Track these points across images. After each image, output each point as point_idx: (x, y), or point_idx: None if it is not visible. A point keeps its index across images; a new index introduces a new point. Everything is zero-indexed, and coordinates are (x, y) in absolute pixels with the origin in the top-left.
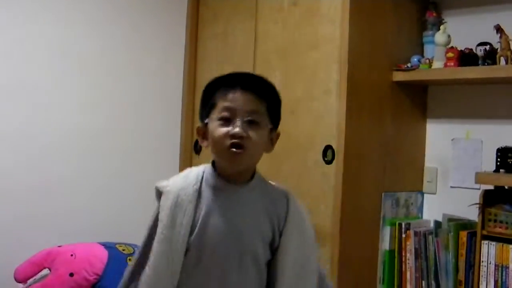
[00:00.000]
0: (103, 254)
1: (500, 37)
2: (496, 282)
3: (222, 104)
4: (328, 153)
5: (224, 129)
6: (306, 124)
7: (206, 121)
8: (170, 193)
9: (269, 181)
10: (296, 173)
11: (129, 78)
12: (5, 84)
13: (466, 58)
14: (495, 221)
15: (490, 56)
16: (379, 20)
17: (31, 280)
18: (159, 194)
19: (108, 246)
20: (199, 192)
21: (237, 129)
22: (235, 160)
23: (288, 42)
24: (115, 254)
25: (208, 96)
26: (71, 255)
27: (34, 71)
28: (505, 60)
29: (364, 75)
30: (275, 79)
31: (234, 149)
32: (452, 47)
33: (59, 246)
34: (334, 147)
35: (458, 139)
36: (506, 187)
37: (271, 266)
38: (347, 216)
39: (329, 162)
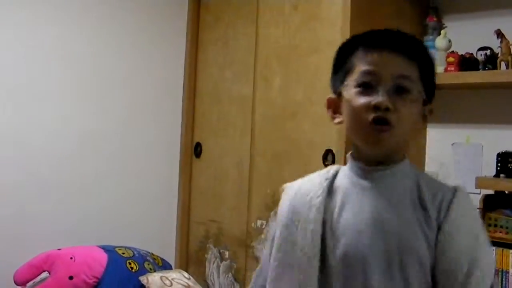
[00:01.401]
0: (103, 257)
1: (501, 41)
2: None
3: (363, 67)
4: (328, 157)
5: (364, 99)
6: (307, 128)
7: (339, 89)
8: (291, 188)
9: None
10: (297, 176)
11: (129, 82)
12: (1, 86)
13: (466, 62)
14: (495, 226)
15: (491, 61)
16: (380, 24)
17: (30, 283)
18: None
19: (108, 250)
20: (330, 186)
21: (381, 99)
22: (379, 139)
23: (288, 46)
24: (115, 257)
25: (342, 58)
26: (71, 258)
27: (41, 75)
28: (505, 65)
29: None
30: (276, 83)
31: (377, 125)
32: (452, 52)
33: (58, 249)
34: (334, 151)
35: (458, 144)
36: (506, 192)
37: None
38: None
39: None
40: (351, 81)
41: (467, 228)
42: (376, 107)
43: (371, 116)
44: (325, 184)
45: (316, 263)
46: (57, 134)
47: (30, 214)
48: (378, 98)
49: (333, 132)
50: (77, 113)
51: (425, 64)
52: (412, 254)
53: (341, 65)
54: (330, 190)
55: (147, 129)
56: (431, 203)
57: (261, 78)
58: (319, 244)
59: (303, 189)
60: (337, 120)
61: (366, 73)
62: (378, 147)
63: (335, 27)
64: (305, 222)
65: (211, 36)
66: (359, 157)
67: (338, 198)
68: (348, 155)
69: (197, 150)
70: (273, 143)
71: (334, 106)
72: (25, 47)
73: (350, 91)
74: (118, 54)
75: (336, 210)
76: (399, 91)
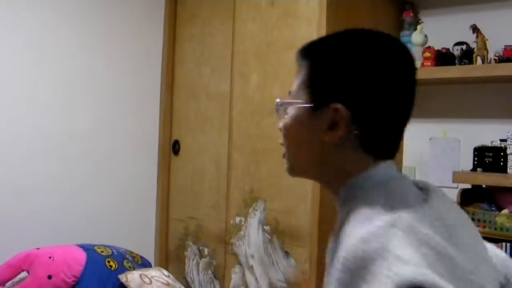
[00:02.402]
0: (82, 256)
1: (477, 37)
2: None
3: None
4: None
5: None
6: None
7: None
8: None
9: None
10: (275, 174)
11: (106, 80)
12: None
13: (443, 57)
14: (472, 219)
15: (467, 56)
16: (356, 20)
17: (9, 283)
18: None
19: (87, 248)
20: None
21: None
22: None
23: (265, 43)
24: (94, 256)
25: None
26: (49, 257)
27: (13, 74)
28: (481, 59)
29: None
30: (253, 80)
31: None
32: (429, 47)
33: (37, 249)
34: None
35: (435, 139)
36: (483, 186)
37: None
38: (325, 216)
39: None
40: None
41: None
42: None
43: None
44: None
45: None
46: (33, 133)
47: (8, 214)
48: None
49: None
50: (52, 112)
51: (319, 61)
52: None
53: None
54: None
55: (124, 127)
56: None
57: (238, 74)
58: None
59: None
60: None
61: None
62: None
63: (312, 24)
64: None
65: (188, 32)
66: None
67: None
68: None
69: (175, 147)
70: (251, 139)
71: None
72: (5, 48)
73: None
74: (94, 51)
75: None
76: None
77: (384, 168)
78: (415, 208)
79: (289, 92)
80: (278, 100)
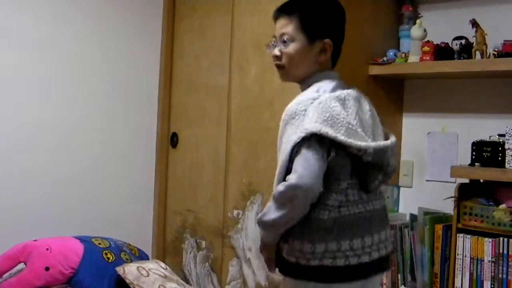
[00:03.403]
0: (79, 248)
1: (476, 31)
2: (471, 275)
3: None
4: None
5: (271, 51)
6: None
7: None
8: None
9: (314, 90)
10: (273, 167)
11: (105, 72)
12: None
13: (442, 52)
14: (470, 214)
15: (466, 50)
16: (355, 13)
17: (6, 274)
18: None
19: (84, 240)
20: None
21: (274, 50)
22: (281, 76)
23: (264, 35)
24: (91, 248)
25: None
26: (47, 249)
27: (9, 66)
28: (480, 54)
29: (340, 69)
30: (252, 73)
31: (277, 69)
32: (428, 41)
33: (34, 240)
34: None
35: (434, 133)
36: (481, 181)
37: None
38: None
39: None
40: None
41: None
42: (273, 57)
43: (274, 62)
44: None
45: None
46: (33, 125)
47: (5, 205)
48: (274, 51)
49: None
50: (52, 104)
51: (305, 15)
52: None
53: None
54: None
55: (123, 119)
56: None
57: (237, 67)
58: None
59: None
60: None
61: (273, 36)
62: (282, 79)
63: None
64: None
65: (187, 25)
66: None
67: None
68: None
69: (173, 140)
70: (249, 132)
71: None
72: (1, 40)
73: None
74: (93, 44)
75: None
76: (284, 42)
77: (334, 71)
78: (336, 93)
79: (282, 34)
80: (286, 36)
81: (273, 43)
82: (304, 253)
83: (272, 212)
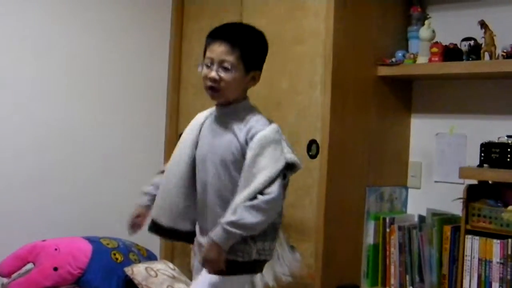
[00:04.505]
0: (87, 248)
1: (485, 32)
2: (479, 276)
3: (207, 53)
4: (312, 148)
5: (205, 72)
6: (291, 118)
7: (200, 64)
8: (197, 116)
9: (257, 115)
10: None
11: (114, 74)
12: None
13: (450, 53)
14: (478, 215)
15: (475, 51)
16: (364, 14)
17: (15, 274)
18: None
19: (93, 241)
20: (204, 119)
21: (212, 73)
22: (213, 96)
23: (273, 36)
24: (100, 248)
25: (205, 45)
26: (55, 249)
27: (19, 66)
28: (489, 55)
29: (348, 70)
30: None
31: (210, 90)
32: (436, 42)
33: (43, 241)
34: (318, 141)
35: (442, 134)
36: (490, 182)
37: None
38: (331, 210)
39: (313, 157)
40: (204, 60)
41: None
42: (209, 78)
43: (208, 83)
44: (202, 118)
45: (189, 159)
46: (40, 126)
47: (15, 205)
48: (211, 73)
49: (317, 123)
50: (62, 105)
51: (246, 48)
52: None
53: (204, 50)
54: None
55: (132, 120)
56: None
57: None
58: (193, 150)
59: (197, 118)
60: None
61: (208, 57)
62: (215, 99)
63: (320, 17)
64: (190, 135)
65: (196, 26)
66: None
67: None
68: None
69: None
70: None
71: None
72: (12, 41)
73: (202, 66)
74: (102, 45)
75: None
76: (224, 68)
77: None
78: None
79: (223, 61)
80: (227, 64)
81: (208, 64)
82: (260, 251)
83: (252, 217)
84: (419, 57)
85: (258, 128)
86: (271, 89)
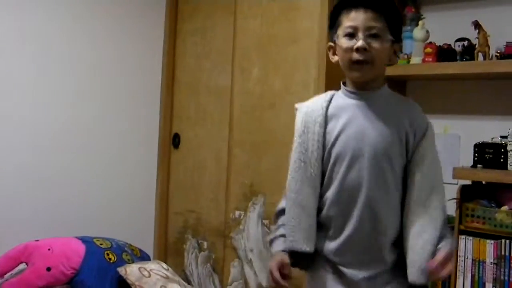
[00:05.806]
0: (81, 248)
1: (478, 33)
2: (473, 276)
3: (347, 23)
4: None
5: (349, 43)
6: (285, 118)
7: (334, 39)
8: (302, 106)
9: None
10: (275, 167)
11: (108, 73)
12: None
13: (444, 53)
14: (472, 216)
15: (468, 52)
16: None
17: (8, 274)
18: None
19: (86, 241)
20: (327, 107)
21: (360, 43)
22: (361, 70)
23: (267, 37)
24: (93, 248)
25: (334, 16)
26: (48, 249)
27: (18, 68)
28: (483, 56)
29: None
30: (254, 74)
31: (357, 64)
32: (430, 43)
33: (36, 241)
34: None
35: (436, 134)
36: (483, 182)
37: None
38: None
39: None
40: (341, 31)
41: (433, 150)
42: (357, 49)
43: (354, 55)
44: (324, 105)
45: (319, 161)
46: (34, 127)
47: (7, 205)
48: (358, 43)
49: None
50: (54, 104)
51: (391, 15)
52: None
53: (334, 21)
54: (328, 110)
55: (125, 120)
56: (408, 120)
57: (239, 69)
58: (321, 148)
59: (310, 108)
60: (334, 59)
61: (349, 26)
62: (362, 75)
63: (313, 17)
64: (312, 133)
65: (189, 26)
66: (349, 84)
67: (341, 119)
68: (341, 83)
69: (175, 141)
70: (251, 133)
71: (333, 50)
72: (11, 42)
73: (341, 39)
74: (96, 45)
75: (338, 127)
76: (372, 36)
77: None
78: None
79: (371, 27)
80: (376, 31)
81: (350, 33)
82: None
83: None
84: (413, 58)
85: (425, 120)
86: (264, 89)
